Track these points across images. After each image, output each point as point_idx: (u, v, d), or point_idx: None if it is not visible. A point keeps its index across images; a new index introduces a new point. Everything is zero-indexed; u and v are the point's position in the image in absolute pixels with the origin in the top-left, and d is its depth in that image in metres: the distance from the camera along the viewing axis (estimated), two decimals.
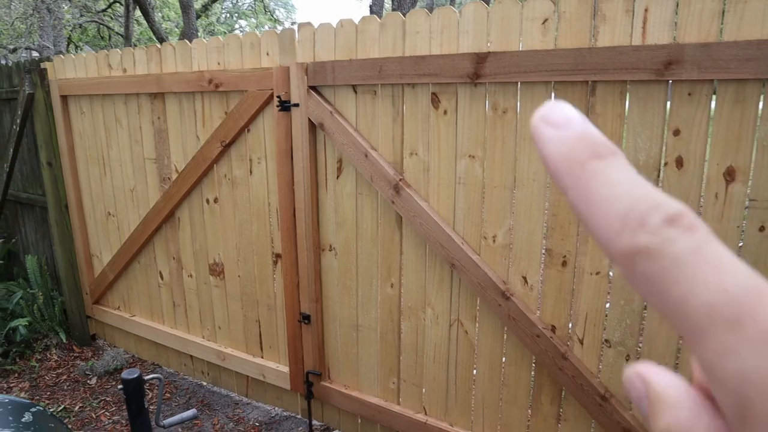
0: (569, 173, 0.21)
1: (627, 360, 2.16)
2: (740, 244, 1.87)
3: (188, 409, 3.42)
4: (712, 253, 0.18)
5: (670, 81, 1.88)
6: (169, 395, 3.66)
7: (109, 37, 16.73)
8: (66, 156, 3.94)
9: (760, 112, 1.76)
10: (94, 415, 3.42)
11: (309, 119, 2.72)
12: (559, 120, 0.22)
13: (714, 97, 1.82)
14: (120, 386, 1.78)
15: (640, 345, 2.13)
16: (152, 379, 1.93)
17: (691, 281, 0.18)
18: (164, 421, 1.92)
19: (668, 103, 1.91)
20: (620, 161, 0.21)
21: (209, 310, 3.56)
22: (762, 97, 1.76)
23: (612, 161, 0.21)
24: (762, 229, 1.82)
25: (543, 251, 2.25)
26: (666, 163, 1.93)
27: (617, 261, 0.20)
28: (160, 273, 3.74)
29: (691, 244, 0.18)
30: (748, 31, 1.73)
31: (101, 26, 16.19)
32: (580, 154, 0.21)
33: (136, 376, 1.76)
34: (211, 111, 3.14)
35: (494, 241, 2.35)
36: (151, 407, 3.41)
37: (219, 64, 3.04)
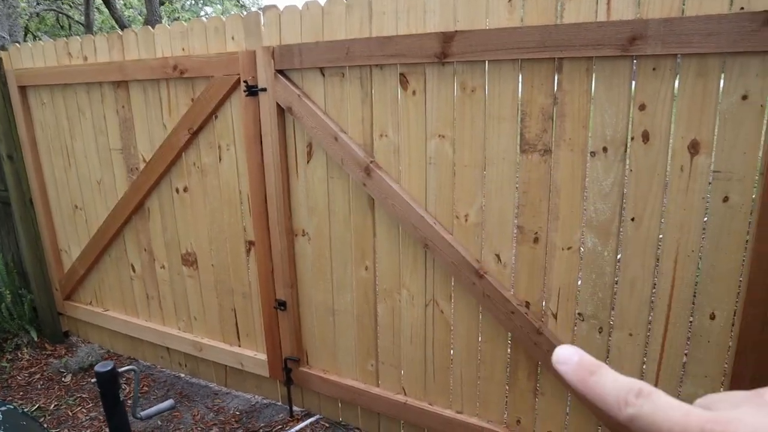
0: (582, 386, 0.33)
1: (600, 332, 2.20)
2: (705, 216, 1.91)
3: (172, 399, 3.40)
4: (663, 402, 0.30)
5: (635, 56, 1.89)
6: (146, 388, 3.62)
7: (69, 26, 16.21)
8: (28, 148, 3.82)
9: (721, 85, 1.79)
10: (70, 413, 3.37)
11: (277, 103, 2.69)
12: (564, 358, 0.34)
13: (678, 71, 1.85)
14: (94, 380, 1.75)
15: (612, 318, 2.18)
16: (127, 371, 1.90)
17: (660, 425, 0.29)
18: (141, 413, 1.90)
19: (633, 79, 1.93)
20: (605, 370, 0.33)
21: (184, 301, 3.52)
22: (723, 71, 1.78)
23: (600, 372, 0.33)
24: (726, 199, 1.86)
25: (515, 228, 2.28)
26: (633, 138, 1.96)
27: (625, 425, 0.31)
28: (132, 265, 3.68)
29: (651, 405, 0.30)
30: (709, 5, 1.75)
31: (60, 15, 15.67)
32: (582, 374, 0.33)
33: (109, 368, 1.73)
34: (177, 98, 3.08)
35: (466, 220, 2.36)
36: (128, 400, 3.38)
37: (183, 50, 2.97)
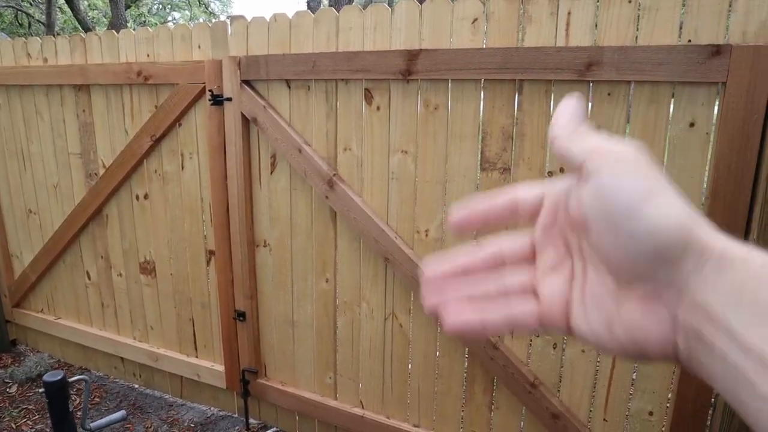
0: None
1: (554, 348, 2.25)
2: None
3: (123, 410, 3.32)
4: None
5: (591, 81, 1.97)
6: (98, 399, 3.52)
7: (29, 24, 15.80)
8: None
9: (671, 112, 1.88)
10: (14, 425, 3.25)
11: (242, 114, 2.69)
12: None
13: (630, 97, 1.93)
14: (42, 390, 1.70)
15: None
16: (77, 380, 1.86)
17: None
18: (91, 425, 1.86)
19: (589, 103, 2.01)
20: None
21: (140, 310, 3.45)
22: (672, 99, 1.87)
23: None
24: None
25: (474, 244, 2.31)
26: None
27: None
28: (87, 273, 3.59)
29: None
30: (660, 36, 1.84)
31: (19, 12, 15.26)
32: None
33: (59, 378, 1.69)
34: (141, 104, 3.04)
35: (427, 235, 2.39)
36: (78, 412, 3.28)
37: (149, 56, 2.95)
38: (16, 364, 3.89)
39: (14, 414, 3.35)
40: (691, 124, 1.86)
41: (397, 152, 2.38)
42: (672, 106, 1.88)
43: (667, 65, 1.81)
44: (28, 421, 3.28)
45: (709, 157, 1.86)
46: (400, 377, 2.66)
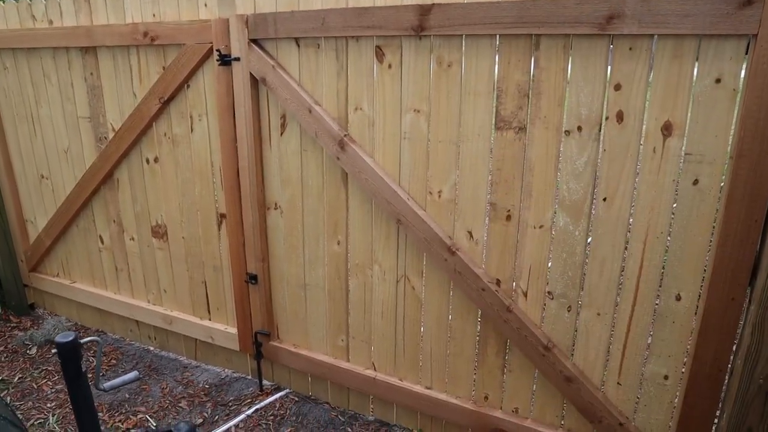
0: None
1: (569, 311, 2.22)
2: (675, 199, 1.92)
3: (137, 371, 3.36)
4: None
5: (612, 35, 1.88)
6: (114, 362, 3.57)
7: None
8: None
9: (696, 68, 1.79)
10: (35, 386, 3.31)
11: (251, 74, 2.63)
12: None
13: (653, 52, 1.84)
14: (54, 350, 1.71)
15: (581, 296, 2.19)
16: (90, 341, 1.86)
17: None
18: (104, 384, 1.87)
19: (610, 58, 1.92)
20: None
21: (153, 274, 3.47)
22: (698, 53, 1.78)
23: None
24: (696, 182, 1.88)
25: (487, 205, 2.27)
26: (607, 118, 1.96)
27: None
28: (100, 237, 3.60)
29: None
30: None
31: None
32: None
33: (70, 339, 1.69)
34: (148, 66, 2.99)
35: (440, 196, 2.35)
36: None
37: (154, 15, 2.88)
38: (35, 327, 3.95)
39: (35, 375, 3.41)
40: (717, 80, 1.77)
41: (410, 111, 2.31)
42: (697, 61, 1.79)
43: (693, 17, 1.72)
44: (48, 382, 3.34)
45: (735, 114, 1.78)
46: (413, 339, 2.65)
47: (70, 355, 1.67)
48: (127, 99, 3.11)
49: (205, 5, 2.71)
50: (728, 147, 1.82)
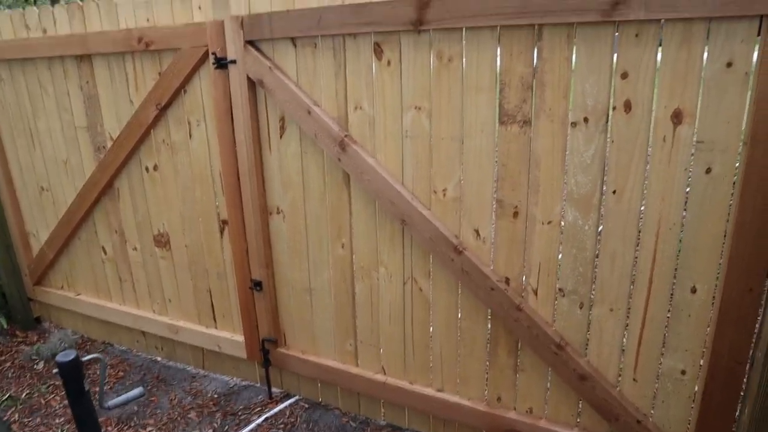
0: None
1: (581, 308, 2.16)
2: (687, 188, 1.86)
3: (141, 386, 3.32)
4: None
5: (618, 22, 1.82)
6: (122, 374, 3.54)
7: (35, 0, 15.62)
8: None
9: (706, 52, 1.73)
10: (43, 401, 3.28)
11: (247, 76, 2.58)
12: None
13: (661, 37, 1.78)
14: (55, 370, 1.66)
15: (593, 292, 2.14)
16: (92, 359, 1.82)
17: None
18: (108, 403, 1.83)
19: (615, 46, 1.86)
20: None
21: (158, 283, 3.43)
22: (708, 36, 1.72)
23: None
24: (708, 170, 1.82)
25: (494, 202, 2.22)
26: (614, 108, 1.90)
27: None
28: (103, 248, 3.57)
29: None
30: None
31: None
32: None
33: (72, 357, 1.65)
34: (144, 72, 2.94)
35: (444, 194, 2.29)
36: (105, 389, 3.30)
37: (148, 20, 2.84)
38: (42, 341, 3.92)
39: (42, 390, 3.38)
40: (729, 64, 1.71)
41: (411, 109, 2.26)
42: (707, 45, 1.73)
43: None
44: (56, 397, 3.30)
45: (748, 99, 1.72)
46: (422, 341, 2.60)
47: (71, 374, 1.63)
48: (124, 107, 3.07)
49: (199, 8, 2.67)
50: (741, 133, 1.75)
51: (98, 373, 3.47)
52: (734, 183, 1.81)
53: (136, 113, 3.01)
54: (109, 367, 3.60)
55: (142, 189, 3.22)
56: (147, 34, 2.80)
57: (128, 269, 3.52)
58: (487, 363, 2.46)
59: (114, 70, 3.04)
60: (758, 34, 1.65)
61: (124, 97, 3.06)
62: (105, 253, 3.57)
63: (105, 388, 3.29)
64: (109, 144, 3.20)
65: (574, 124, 1.98)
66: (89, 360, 1.75)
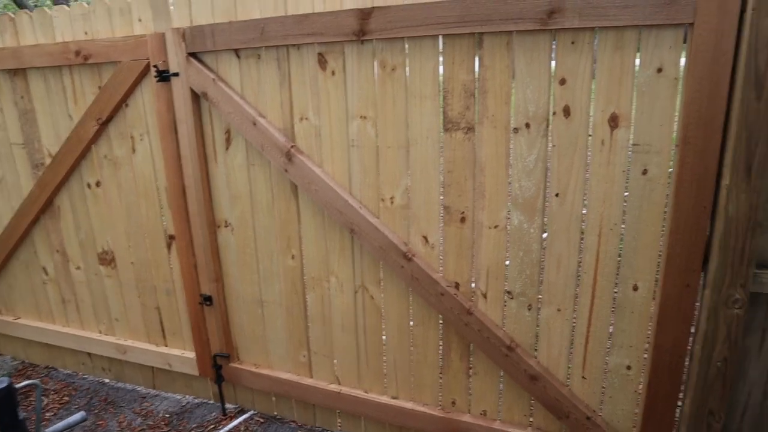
0: None
1: (529, 309, 2.21)
2: (626, 190, 1.93)
3: (85, 410, 3.19)
4: None
5: (554, 30, 1.88)
6: (67, 398, 3.39)
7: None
8: None
9: (638, 59, 1.81)
10: None
11: (191, 89, 2.54)
12: None
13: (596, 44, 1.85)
14: None
15: (541, 293, 2.18)
16: (27, 386, 1.73)
17: None
18: (46, 431, 1.74)
19: (553, 54, 1.92)
20: None
21: (103, 303, 3.31)
22: (639, 44, 1.79)
23: None
24: (645, 172, 1.89)
25: (441, 209, 2.24)
26: (554, 113, 1.95)
27: None
28: (44, 268, 3.43)
29: None
30: None
31: None
32: None
33: (4, 385, 1.57)
34: (83, 86, 2.86)
35: (392, 202, 2.30)
36: (46, 417, 3.16)
37: (86, 33, 2.76)
38: None
39: None
40: (659, 70, 1.79)
41: (356, 118, 2.27)
42: (639, 52, 1.80)
43: (632, 8, 1.73)
44: None
45: (678, 103, 1.80)
46: (375, 350, 2.59)
47: (4, 403, 1.55)
48: (63, 122, 2.97)
49: (140, 20, 2.61)
50: (673, 135, 1.83)
51: (44, 402, 3.32)
52: (669, 183, 1.88)
53: (75, 128, 2.91)
54: (53, 392, 3.45)
55: (85, 206, 3.11)
56: (85, 47, 2.72)
57: (71, 289, 3.39)
58: (441, 368, 2.48)
59: (51, 84, 2.94)
60: (684, 41, 1.73)
61: (62, 112, 2.96)
62: (46, 273, 3.43)
63: (49, 414, 3.16)
64: (48, 161, 3.09)
65: (516, 130, 2.02)
66: (25, 387, 1.67)
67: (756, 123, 1.64)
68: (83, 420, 1.77)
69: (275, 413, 3.04)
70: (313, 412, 2.90)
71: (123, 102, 2.77)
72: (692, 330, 1.96)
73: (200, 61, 2.52)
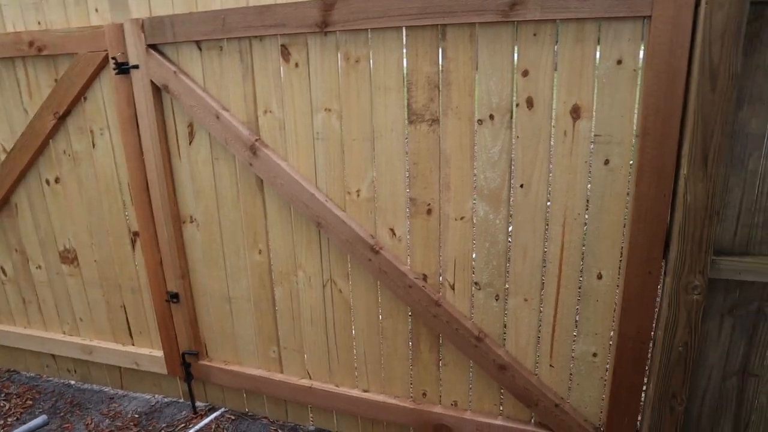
0: None
1: (497, 300, 2.22)
2: (589, 180, 1.95)
3: (46, 414, 3.12)
4: None
5: (516, 22, 1.88)
6: (30, 402, 3.30)
7: None
8: None
9: (598, 50, 1.82)
10: None
11: (151, 81, 2.48)
12: None
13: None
14: None
15: (508, 284, 2.20)
16: None
17: None
18: None
19: (516, 45, 1.93)
20: None
21: (67, 302, 3.23)
22: (599, 36, 1.81)
23: None
24: (606, 162, 1.91)
25: (407, 201, 2.24)
26: (518, 104, 1.96)
27: None
28: (2, 268, 3.32)
29: None
30: None
31: None
32: None
33: None
34: (38, 79, 2.76)
35: (358, 195, 2.29)
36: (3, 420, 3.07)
37: (39, 23, 2.67)
38: None
39: None
40: (619, 62, 1.81)
41: (321, 111, 2.24)
42: (599, 44, 1.82)
43: (593, 0, 1.75)
44: None
45: (637, 94, 1.82)
46: (345, 344, 2.59)
47: None
48: (18, 116, 2.88)
49: (96, 10, 2.54)
50: (634, 126, 1.86)
51: (6, 406, 3.23)
52: (630, 173, 1.91)
53: (31, 123, 2.82)
54: (15, 396, 3.36)
55: (44, 203, 3.03)
56: (39, 38, 2.63)
57: (32, 290, 3.30)
58: (411, 360, 2.49)
59: (3, 77, 2.84)
60: (642, 34, 1.75)
61: (16, 105, 2.86)
62: (5, 274, 3.33)
63: (11, 420, 3.07)
64: (2, 156, 2.98)
65: (480, 122, 2.02)
66: None
67: (711, 114, 1.67)
68: (45, 423, 1.72)
69: (247, 410, 3.02)
70: (284, 408, 2.88)
71: (81, 95, 2.69)
72: (655, 316, 2.00)
73: (161, 53, 2.46)
